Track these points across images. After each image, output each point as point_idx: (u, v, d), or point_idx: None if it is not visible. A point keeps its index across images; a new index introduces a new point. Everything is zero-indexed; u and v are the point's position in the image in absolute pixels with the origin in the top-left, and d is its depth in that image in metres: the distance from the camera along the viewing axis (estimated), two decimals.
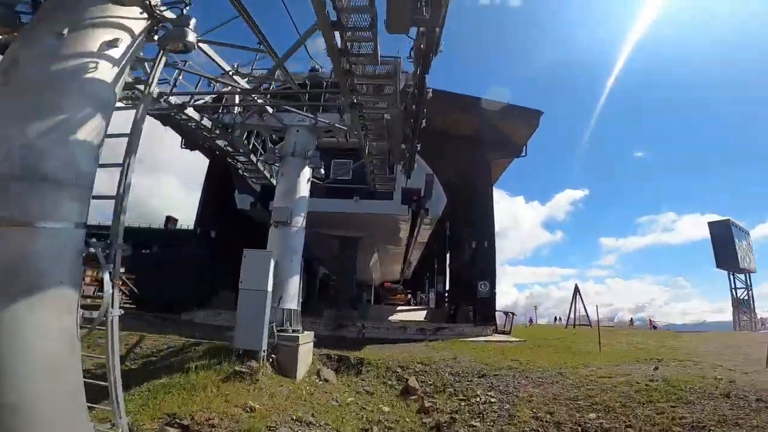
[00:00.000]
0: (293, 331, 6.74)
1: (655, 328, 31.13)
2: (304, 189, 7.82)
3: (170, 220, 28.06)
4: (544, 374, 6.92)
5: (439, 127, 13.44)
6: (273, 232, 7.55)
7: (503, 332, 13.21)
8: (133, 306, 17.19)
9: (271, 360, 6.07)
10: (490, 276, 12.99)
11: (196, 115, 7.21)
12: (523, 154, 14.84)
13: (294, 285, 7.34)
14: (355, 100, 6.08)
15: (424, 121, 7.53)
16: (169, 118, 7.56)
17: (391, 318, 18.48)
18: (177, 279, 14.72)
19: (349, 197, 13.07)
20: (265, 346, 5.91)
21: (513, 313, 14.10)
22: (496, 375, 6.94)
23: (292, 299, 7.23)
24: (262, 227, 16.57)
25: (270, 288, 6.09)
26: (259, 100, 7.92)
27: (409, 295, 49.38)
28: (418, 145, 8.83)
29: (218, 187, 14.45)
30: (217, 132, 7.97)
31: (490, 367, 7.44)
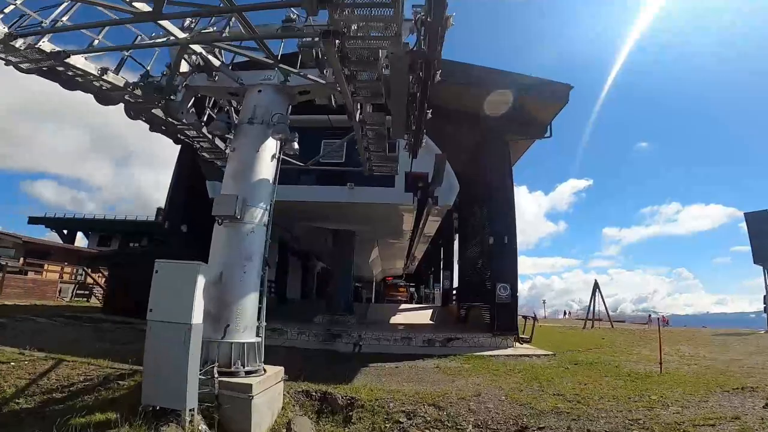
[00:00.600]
0: (247, 373, 4.66)
1: (667, 323, 29.94)
2: (266, 169, 5.66)
3: (161, 212, 26.11)
4: (612, 424, 4.87)
5: (448, 103, 11.23)
6: (217, 232, 5.44)
7: (524, 340, 11.17)
8: (99, 306, 15.28)
9: (210, 420, 4.04)
10: (511, 278, 10.90)
11: (91, 69, 5.03)
12: (548, 134, 12.55)
13: (249, 307, 5.26)
14: (330, 27, 3.92)
15: (438, 73, 5.32)
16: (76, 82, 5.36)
17: (393, 320, 16.51)
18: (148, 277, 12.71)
19: (343, 184, 10.95)
20: (193, 403, 3.85)
21: (535, 317, 12.04)
22: (542, 429, 4.88)
23: (247, 328, 5.15)
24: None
25: (196, 319, 3.98)
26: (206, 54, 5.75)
27: (412, 289, 47.72)
28: (429, 112, 6.67)
29: (190, 174, 12.32)
30: (153, 98, 5.76)
31: (529, 410, 5.39)
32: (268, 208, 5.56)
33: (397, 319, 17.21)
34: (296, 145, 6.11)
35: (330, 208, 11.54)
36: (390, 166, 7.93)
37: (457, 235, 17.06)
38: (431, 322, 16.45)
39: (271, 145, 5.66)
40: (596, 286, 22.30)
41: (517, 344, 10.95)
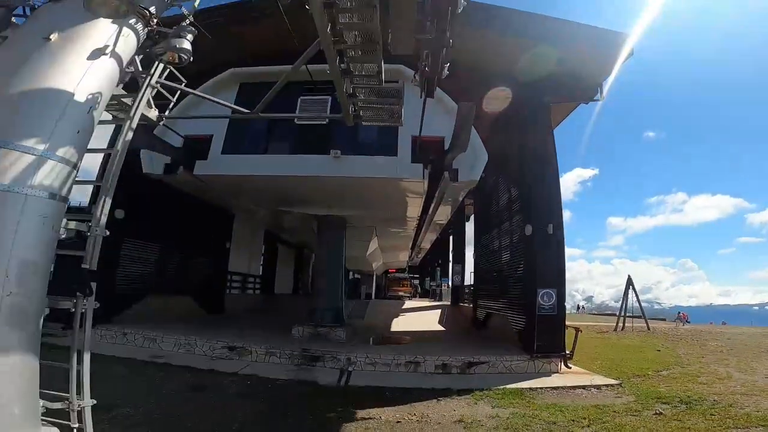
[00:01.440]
0: None
1: (687, 321, 28.08)
2: (72, 80, 2.65)
3: None
4: None
5: (472, 58, 8.10)
6: None
7: (564, 356, 8.27)
8: None
9: None
10: (557, 281, 7.96)
11: None
12: (597, 96, 9.33)
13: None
14: None
15: None
16: None
17: (396, 324, 13.72)
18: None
19: (326, 152, 7.98)
20: None
21: (579, 329, 9.15)
22: None
23: None
24: (193, 203, 11.63)
25: None
26: None
27: (416, 281, 44.97)
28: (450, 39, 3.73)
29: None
30: None
31: None
32: (77, 161, 2.66)
33: (401, 323, 14.42)
34: (186, 44, 3.18)
35: (311, 186, 8.62)
36: (389, 108, 4.90)
37: (473, 221, 14.11)
38: (441, 327, 13.66)
39: (97, 32, 2.72)
40: (630, 282, 19.37)
41: (563, 367, 8.11)
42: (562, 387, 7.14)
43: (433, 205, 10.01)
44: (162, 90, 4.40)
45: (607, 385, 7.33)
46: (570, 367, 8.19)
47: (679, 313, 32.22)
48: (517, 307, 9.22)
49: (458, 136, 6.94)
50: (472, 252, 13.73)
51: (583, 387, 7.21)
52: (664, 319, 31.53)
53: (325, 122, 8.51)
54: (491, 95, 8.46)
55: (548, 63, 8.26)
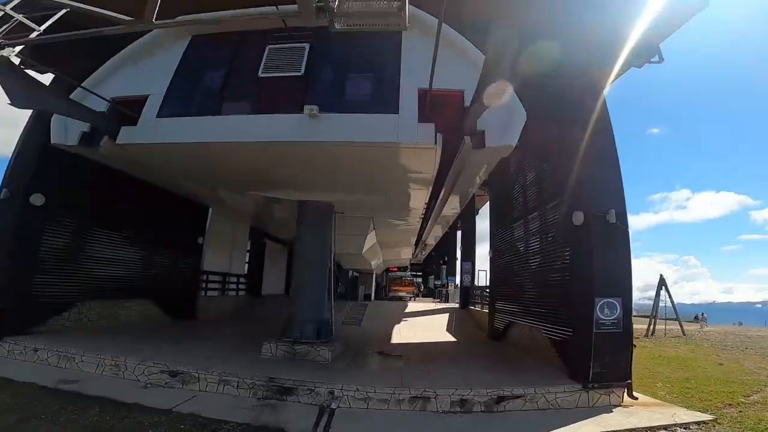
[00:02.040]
0: None
1: (705, 322, 26.49)
2: None
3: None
4: None
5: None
6: None
7: (629, 384, 6.09)
8: None
9: None
10: (623, 288, 5.77)
11: None
12: (656, 59, 7.05)
13: None
14: None
15: None
16: None
17: (396, 334, 11.60)
18: None
19: (298, 110, 5.83)
20: None
21: (633, 345, 6.95)
22: None
23: None
24: (154, 191, 9.45)
25: None
26: None
27: (419, 280, 42.80)
28: None
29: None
30: None
31: None
32: None
33: (403, 330, 12.30)
34: None
35: (280, 158, 6.47)
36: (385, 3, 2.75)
37: (488, 213, 11.96)
38: (451, 337, 11.53)
39: None
40: (662, 281, 17.16)
41: (626, 398, 5.97)
42: (636, 430, 5.03)
43: (445, 189, 7.84)
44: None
45: (698, 423, 5.24)
46: (636, 398, 6.04)
47: (702, 314, 29.88)
48: (557, 319, 7.06)
49: (488, 80, 4.77)
50: (488, 249, 11.58)
51: (666, 428, 5.12)
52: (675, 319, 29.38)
53: (299, 73, 6.37)
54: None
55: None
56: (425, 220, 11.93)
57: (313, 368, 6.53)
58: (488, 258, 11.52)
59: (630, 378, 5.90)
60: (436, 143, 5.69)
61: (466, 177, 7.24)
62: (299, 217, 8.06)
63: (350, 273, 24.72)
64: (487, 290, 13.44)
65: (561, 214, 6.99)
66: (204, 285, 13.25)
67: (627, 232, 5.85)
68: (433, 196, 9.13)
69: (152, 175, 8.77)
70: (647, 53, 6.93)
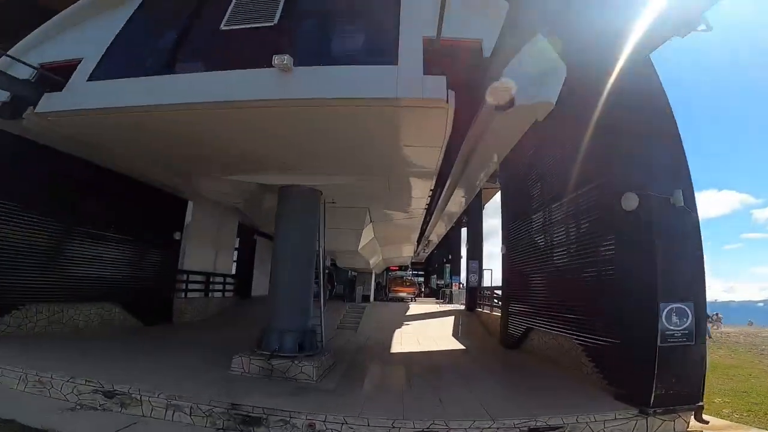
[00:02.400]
0: None
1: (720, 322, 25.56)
2: None
3: None
4: None
5: None
6: None
7: (700, 407, 4.73)
8: None
9: None
10: (695, 290, 4.45)
11: None
12: (702, 26, 5.68)
13: None
14: None
15: None
16: None
17: (397, 341, 10.30)
18: None
19: (267, 63, 4.50)
20: None
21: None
22: None
23: None
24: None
25: None
26: None
27: (420, 279, 41.34)
28: None
29: None
30: None
31: None
32: None
33: (405, 337, 10.99)
34: None
35: (247, 126, 5.14)
36: None
37: (500, 205, 10.62)
38: (459, 344, 10.20)
39: None
40: None
41: (694, 422, 4.64)
42: None
43: (453, 175, 6.50)
44: None
45: None
46: (706, 421, 4.70)
47: (716, 314, 28.45)
48: (594, 326, 5.73)
49: (517, 20, 3.46)
50: (500, 246, 10.24)
51: None
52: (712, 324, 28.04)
53: (272, 23, 5.07)
54: None
55: None
56: (428, 213, 10.62)
57: (292, 389, 5.22)
58: (500, 255, 10.19)
59: (702, 399, 4.57)
60: (447, 101, 4.36)
61: (482, 155, 5.90)
62: (279, 205, 6.74)
63: (350, 273, 23.42)
64: (499, 291, 12.13)
65: (601, 199, 5.66)
66: (184, 286, 11.96)
67: (696, 219, 4.51)
68: (439, 184, 7.82)
69: (99, 155, 7.49)
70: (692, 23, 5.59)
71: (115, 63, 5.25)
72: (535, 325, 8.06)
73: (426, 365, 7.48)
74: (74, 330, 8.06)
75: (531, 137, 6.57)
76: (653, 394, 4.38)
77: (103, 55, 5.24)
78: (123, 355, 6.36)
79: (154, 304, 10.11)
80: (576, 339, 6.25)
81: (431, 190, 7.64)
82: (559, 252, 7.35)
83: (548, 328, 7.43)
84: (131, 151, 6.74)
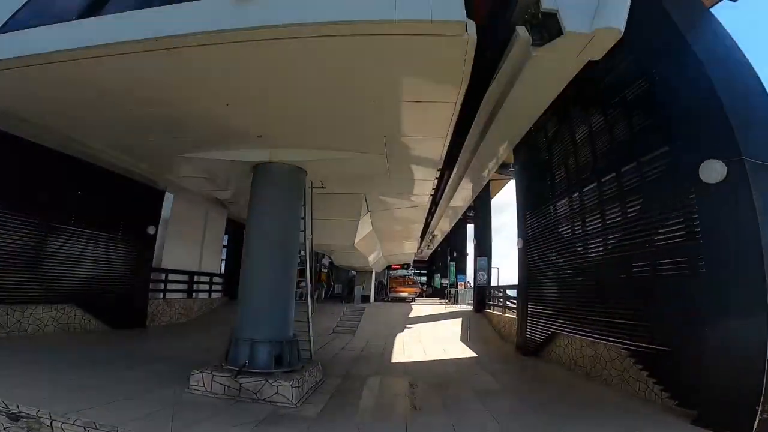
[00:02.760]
0: None
1: None
2: None
3: None
4: None
5: None
6: None
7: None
8: None
9: None
10: None
11: None
12: None
13: None
14: None
15: None
16: None
17: (399, 348, 9.10)
18: None
19: None
20: None
21: None
22: None
23: None
24: (83, 168, 5.94)
25: None
26: None
27: (423, 278, 40.02)
28: None
29: None
30: None
31: None
32: None
33: (408, 343, 9.78)
34: None
35: (197, 77, 3.92)
36: None
37: (516, 192, 9.38)
38: (470, 351, 8.96)
39: None
40: None
41: None
42: None
43: (470, 137, 5.28)
44: None
45: None
46: None
47: None
48: (656, 334, 4.50)
49: None
50: (517, 240, 9.00)
51: None
52: None
53: None
54: None
55: None
56: (434, 203, 9.40)
57: (262, 417, 4.00)
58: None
59: None
60: (467, 30, 3.13)
61: (508, 117, 4.65)
62: (253, 186, 5.53)
63: (350, 272, 22.29)
64: (512, 291, 10.91)
65: (662, 173, 4.43)
66: (162, 286, 10.80)
67: None
68: (447, 166, 6.60)
69: (45, 136, 6.34)
70: None
71: (31, 10, 4.08)
72: (562, 330, 6.83)
73: (434, 379, 6.25)
74: (23, 336, 6.90)
75: (556, 105, 5.37)
76: (757, 421, 3.15)
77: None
78: (55, 367, 5.16)
79: (123, 306, 8.93)
80: (625, 347, 5.02)
81: (438, 170, 6.41)
82: (594, 243, 6.11)
83: (580, 333, 6.20)
84: (76, 125, 5.54)
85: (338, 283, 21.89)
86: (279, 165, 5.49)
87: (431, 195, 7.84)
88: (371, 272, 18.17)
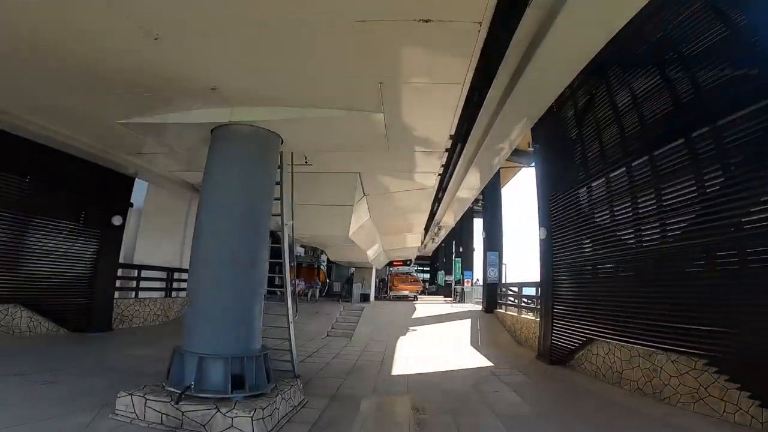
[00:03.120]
0: None
1: None
2: None
3: None
4: None
5: None
6: None
7: None
8: None
9: None
10: None
11: None
12: None
13: None
14: None
15: None
16: None
17: (399, 357, 7.86)
18: None
19: None
20: None
21: None
22: None
23: None
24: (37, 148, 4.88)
25: None
26: None
27: (425, 275, 38.66)
28: None
29: None
30: None
31: None
32: None
33: (411, 350, 8.54)
34: None
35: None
36: None
37: (537, 173, 8.09)
38: (484, 359, 7.69)
39: None
40: None
41: None
42: None
43: (491, 97, 4.03)
44: None
45: None
46: None
47: None
48: (744, 341, 3.25)
49: None
50: (539, 230, 7.71)
51: None
52: None
53: None
54: None
55: None
56: (440, 188, 8.11)
57: None
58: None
59: None
60: None
61: (546, 61, 3.41)
62: (209, 157, 4.28)
63: (350, 269, 21.09)
64: (529, 289, 9.66)
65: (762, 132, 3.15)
66: (133, 283, 9.62)
67: None
68: (459, 134, 5.32)
69: None
70: None
71: None
72: (603, 335, 5.57)
73: (445, 399, 5.01)
74: None
75: (589, 69, 4.15)
76: None
77: None
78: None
79: (83, 307, 7.75)
80: (710, 361, 3.77)
81: (450, 138, 5.13)
82: (648, 229, 4.84)
83: (629, 340, 4.95)
84: None
85: (338, 281, 20.68)
86: (243, 127, 4.24)
87: (440, 175, 6.57)
88: (371, 269, 16.94)
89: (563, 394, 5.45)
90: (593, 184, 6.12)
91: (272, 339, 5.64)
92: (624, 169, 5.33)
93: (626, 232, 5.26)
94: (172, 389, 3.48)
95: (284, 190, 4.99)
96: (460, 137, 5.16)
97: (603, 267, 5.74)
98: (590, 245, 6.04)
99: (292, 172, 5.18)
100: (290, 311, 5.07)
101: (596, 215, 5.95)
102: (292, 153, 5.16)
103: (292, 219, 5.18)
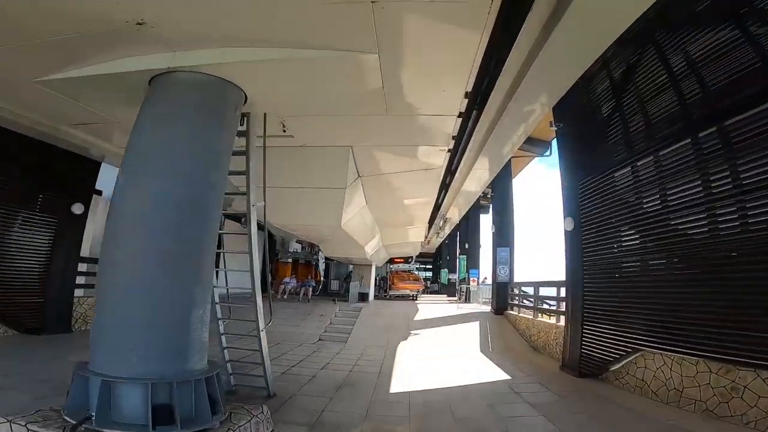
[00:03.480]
0: None
1: None
2: None
3: None
4: None
5: None
6: None
7: None
8: None
9: None
10: None
11: None
12: None
13: None
14: None
15: None
16: None
17: (399, 366, 6.76)
18: None
19: None
20: None
21: None
22: None
23: None
24: None
25: None
26: None
27: (427, 273, 37.53)
28: None
29: None
30: None
31: None
32: None
33: (413, 358, 7.46)
34: None
35: None
36: None
37: (562, 150, 6.97)
38: (499, 371, 6.58)
39: None
40: None
41: None
42: None
43: (509, 64, 2.95)
44: None
45: None
46: None
47: None
48: None
49: None
50: (564, 220, 6.58)
51: None
52: None
53: None
54: None
55: None
56: (448, 172, 6.99)
57: None
58: (564, 233, 6.56)
59: None
60: None
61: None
62: (141, 110, 3.21)
63: (349, 267, 20.08)
64: (549, 288, 8.56)
65: None
66: None
67: None
68: (469, 112, 4.21)
69: None
70: None
71: None
72: (654, 345, 4.47)
73: (454, 425, 3.92)
74: None
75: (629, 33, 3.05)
76: None
77: None
78: None
79: (37, 305, 6.73)
80: None
81: (459, 115, 4.02)
82: (724, 213, 3.73)
83: (694, 352, 3.85)
84: None
85: (336, 279, 19.67)
86: (187, 75, 3.14)
87: (450, 150, 5.45)
88: (370, 266, 15.86)
89: (607, 420, 4.33)
90: (637, 164, 5.00)
91: (242, 350, 4.59)
92: (687, 141, 4.20)
93: (689, 218, 4.15)
94: (68, 419, 2.41)
95: (254, 163, 3.92)
96: (478, 97, 4.04)
97: (655, 262, 4.63)
98: (636, 236, 4.92)
99: (264, 142, 4.09)
100: (260, 316, 4.00)
101: (644, 200, 4.83)
102: (265, 117, 4.07)
103: (264, 200, 4.10)
